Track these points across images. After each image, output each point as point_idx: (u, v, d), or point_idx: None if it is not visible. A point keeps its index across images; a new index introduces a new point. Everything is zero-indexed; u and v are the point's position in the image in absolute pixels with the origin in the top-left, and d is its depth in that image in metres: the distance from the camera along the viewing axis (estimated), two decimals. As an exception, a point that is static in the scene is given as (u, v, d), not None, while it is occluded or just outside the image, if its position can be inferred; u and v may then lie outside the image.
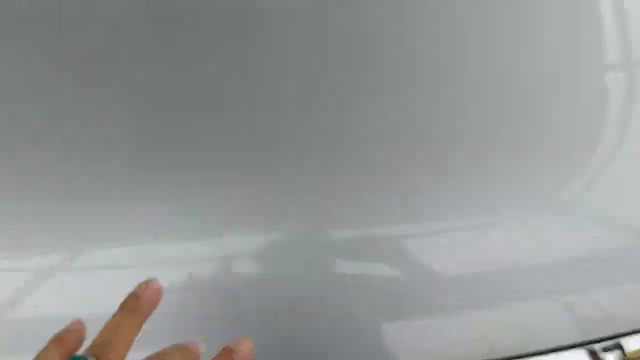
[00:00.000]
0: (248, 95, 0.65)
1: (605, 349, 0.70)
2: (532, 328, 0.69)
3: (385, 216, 0.67)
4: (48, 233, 0.63)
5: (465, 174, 0.67)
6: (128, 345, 0.39)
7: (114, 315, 0.40)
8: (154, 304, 0.42)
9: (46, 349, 0.40)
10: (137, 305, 0.41)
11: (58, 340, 0.40)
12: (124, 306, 0.41)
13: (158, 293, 0.42)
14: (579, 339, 0.70)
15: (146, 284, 0.42)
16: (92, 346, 0.38)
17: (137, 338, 0.40)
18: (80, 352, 0.38)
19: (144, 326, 0.42)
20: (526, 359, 0.65)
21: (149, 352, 0.40)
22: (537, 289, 0.71)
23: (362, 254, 0.64)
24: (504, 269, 0.69)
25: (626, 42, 0.80)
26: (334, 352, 0.63)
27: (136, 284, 0.42)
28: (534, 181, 0.71)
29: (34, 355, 0.38)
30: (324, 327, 0.64)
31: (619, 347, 0.75)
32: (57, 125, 0.63)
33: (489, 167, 0.69)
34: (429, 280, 0.66)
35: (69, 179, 0.62)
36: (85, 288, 0.60)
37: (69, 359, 0.37)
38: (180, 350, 0.40)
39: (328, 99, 0.66)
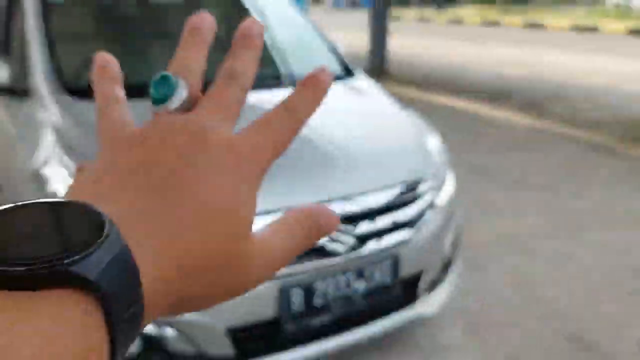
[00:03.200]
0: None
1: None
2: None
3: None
4: None
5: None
6: (202, 71, 0.36)
7: (179, 49, 0.37)
8: (212, 34, 0.38)
9: (99, 81, 0.37)
10: (199, 36, 0.37)
11: (102, 71, 0.37)
12: (186, 40, 0.37)
13: (213, 23, 0.38)
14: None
15: (200, 17, 0.37)
16: (171, 68, 0.36)
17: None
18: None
19: None
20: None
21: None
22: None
23: None
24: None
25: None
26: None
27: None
28: None
29: None
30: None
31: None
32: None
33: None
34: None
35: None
36: None
37: (157, 81, 0.34)
38: (288, 111, 0.35)
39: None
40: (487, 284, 3.05)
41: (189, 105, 0.34)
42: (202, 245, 0.30)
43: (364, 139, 2.27)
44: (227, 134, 0.33)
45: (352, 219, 1.97)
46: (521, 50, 14.82)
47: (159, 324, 1.80)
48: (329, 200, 1.95)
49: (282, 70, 2.77)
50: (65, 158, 1.96)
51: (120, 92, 0.37)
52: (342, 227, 1.93)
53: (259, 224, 1.78)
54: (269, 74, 2.69)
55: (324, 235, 0.35)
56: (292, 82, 2.63)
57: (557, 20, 23.68)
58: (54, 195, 1.88)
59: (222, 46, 2.80)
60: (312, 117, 2.39)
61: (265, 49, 3.04)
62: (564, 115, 7.17)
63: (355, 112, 2.52)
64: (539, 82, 9.72)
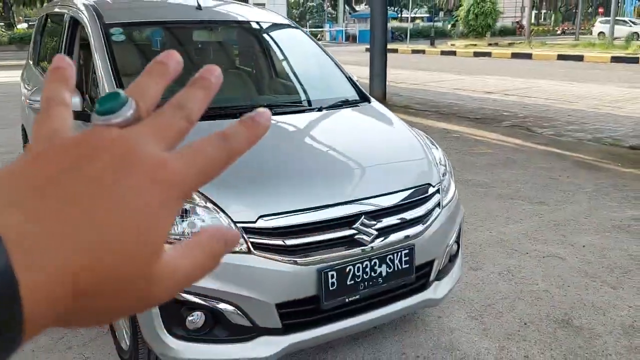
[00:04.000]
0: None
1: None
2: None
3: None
4: None
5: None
6: (155, 101, 0.36)
7: (141, 76, 0.37)
8: (176, 72, 0.38)
9: (48, 83, 0.36)
10: (164, 70, 0.37)
11: (55, 73, 0.37)
12: (151, 70, 0.37)
13: (180, 63, 0.38)
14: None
15: (168, 54, 0.38)
16: (128, 89, 0.36)
17: None
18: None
19: None
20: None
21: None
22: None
23: None
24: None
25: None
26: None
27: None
28: None
29: None
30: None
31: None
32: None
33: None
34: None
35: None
36: None
37: (108, 94, 0.34)
38: (223, 141, 0.36)
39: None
40: (484, 279, 3.40)
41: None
42: (105, 266, 0.29)
43: (386, 151, 2.66)
44: (155, 154, 0.32)
45: (375, 216, 2.33)
46: (512, 78, 15.33)
47: (219, 301, 2.13)
48: (358, 200, 2.31)
49: (310, 97, 3.16)
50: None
51: (67, 96, 0.36)
52: (368, 221, 2.29)
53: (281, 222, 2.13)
54: (298, 100, 3.08)
55: (228, 251, 0.36)
56: (318, 107, 3.01)
57: (544, 50, 24.29)
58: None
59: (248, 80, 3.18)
60: (344, 133, 2.78)
61: (295, 79, 3.44)
62: (550, 136, 7.58)
63: (375, 130, 2.90)
64: (527, 107, 10.15)
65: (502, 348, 2.71)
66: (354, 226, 2.27)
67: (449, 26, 45.81)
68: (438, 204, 2.58)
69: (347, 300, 2.27)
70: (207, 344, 2.19)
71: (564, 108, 10.06)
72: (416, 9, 57.24)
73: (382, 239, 2.32)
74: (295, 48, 3.58)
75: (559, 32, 48.67)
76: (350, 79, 3.43)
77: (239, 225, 2.12)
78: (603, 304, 3.12)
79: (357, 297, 2.29)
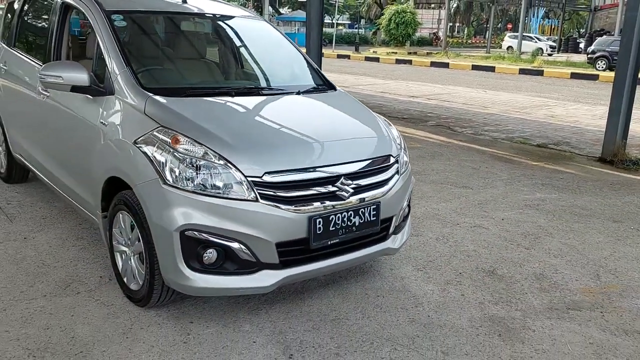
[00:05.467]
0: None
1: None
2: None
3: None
4: None
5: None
6: None
7: None
8: None
9: None
10: None
11: None
12: None
13: None
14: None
15: None
16: None
17: None
18: None
19: None
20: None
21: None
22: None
23: None
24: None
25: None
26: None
27: None
28: None
29: None
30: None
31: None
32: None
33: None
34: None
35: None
36: None
37: None
38: None
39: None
40: (425, 243, 4.05)
41: None
42: None
43: (357, 127, 3.25)
44: None
45: (351, 177, 2.89)
46: (432, 84, 16.42)
47: (231, 240, 2.62)
48: (339, 164, 2.86)
49: (288, 82, 3.71)
50: (155, 132, 2.75)
51: None
52: (346, 181, 2.85)
53: (282, 178, 2.66)
54: (279, 85, 3.61)
55: None
56: (297, 91, 3.56)
57: (460, 60, 25.89)
58: (155, 158, 2.66)
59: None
60: (323, 112, 3.33)
61: (274, 66, 3.96)
62: (469, 134, 8.47)
63: (347, 111, 3.48)
64: (448, 110, 11.11)
65: (443, 290, 3.35)
66: (336, 184, 2.82)
67: (371, 34, 47.36)
68: (397, 172, 3.18)
69: (329, 242, 2.82)
70: (219, 276, 2.67)
71: (480, 112, 11.10)
72: (339, 16, 58.57)
73: (356, 195, 2.89)
74: (270, 40, 4.11)
75: (471, 42, 51.45)
76: (317, 70, 3.99)
77: (248, 179, 2.62)
78: (519, 260, 3.84)
79: (337, 240, 2.85)
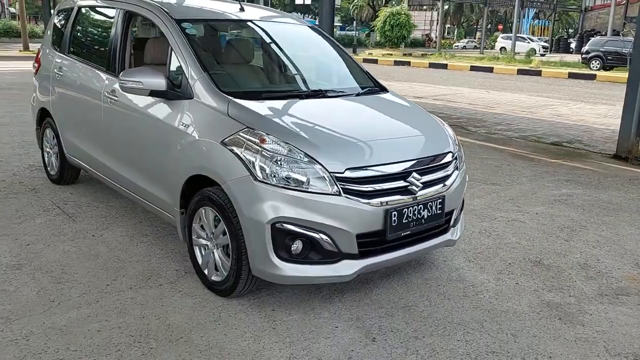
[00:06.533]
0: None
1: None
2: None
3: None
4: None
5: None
6: None
7: None
8: None
9: None
10: None
11: None
12: None
13: None
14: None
15: None
16: None
17: None
18: None
19: None
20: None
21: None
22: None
23: None
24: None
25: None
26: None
27: None
28: None
29: None
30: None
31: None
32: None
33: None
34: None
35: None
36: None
37: None
38: None
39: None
40: (469, 237, 4.26)
41: None
42: None
43: (420, 126, 3.46)
44: None
45: (420, 172, 3.09)
46: (434, 85, 16.68)
47: (316, 231, 2.81)
48: (410, 160, 3.06)
49: (346, 85, 3.92)
50: (241, 133, 2.94)
51: None
52: (416, 176, 3.05)
53: (361, 173, 2.86)
54: (339, 87, 3.81)
55: None
56: (357, 93, 3.76)
57: (457, 61, 26.20)
58: (244, 157, 2.85)
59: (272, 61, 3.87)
60: (386, 112, 3.53)
61: (331, 70, 4.16)
62: (483, 134, 8.71)
63: (406, 111, 3.69)
64: (457, 110, 11.35)
65: (498, 279, 3.56)
66: (408, 179, 3.02)
67: (364, 35, 47.65)
68: (456, 167, 3.39)
69: (402, 234, 3.02)
70: (304, 265, 2.86)
71: (487, 112, 11.35)
72: (332, 18, 58.75)
73: (424, 190, 3.09)
74: (322, 45, 4.32)
75: (461, 44, 51.91)
76: (367, 73, 4.19)
77: (332, 174, 2.82)
78: (562, 250, 4.06)
79: (409, 232, 3.05)
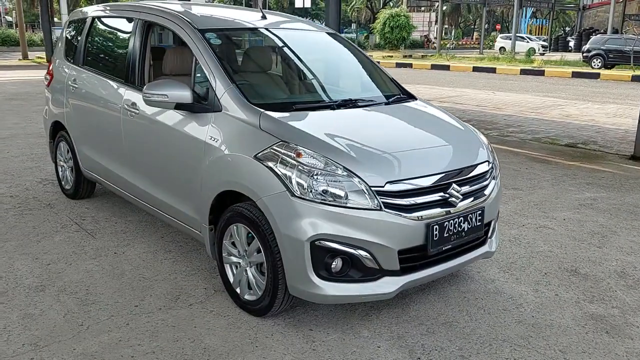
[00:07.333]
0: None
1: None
2: None
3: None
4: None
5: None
6: None
7: None
8: None
9: None
10: None
11: None
12: None
13: None
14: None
15: None
16: None
17: None
18: None
19: None
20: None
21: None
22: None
23: None
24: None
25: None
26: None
27: None
28: None
29: None
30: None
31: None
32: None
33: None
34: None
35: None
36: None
37: None
38: None
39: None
40: (500, 245, 4.14)
41: None
42: None
43: (455, 135, 3.34)
44: None
45: (459, 184, 2.98)
46: (439, 87, 16.58)
47: (356, 248, 2.70)
48: (449, 172, 2.95)
49: (374, 93, 3.81)
50: (276, 147, 2.82)
51: None
52: (456, 187, 2.94)
53: (402, 187, 2.74)
54: (368, 96, 3.70)
55: None
56: (386, 102, 3.65)
57: (460, 62, 26.11)
58: (280, 172, 2.73)
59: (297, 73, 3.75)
60: (418, 121, 3.41)
61: (359, 78, 4.05)
62: (496, 136, 8.60)
63: (438, 120, 3.57)
64: (465, 112, 11.25)
65: (536, 290, 3.45)
66: (448, 191, 2.91)
67: (363, 38, 47.57)
68: (493, 177, 3.28)
69: (443, 248, 2.91)
70: (345, 283, 2.75)
71: (496, 113, 11.25)
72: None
73: (464, 201, 2.98)
74: (348, 52, 4.21)
75: (460, 44, 51.87)
76: (394, 80, 4.08)
77: (372, 188, 2.71)
78: (596, 258, 3.95)
79: (450, 246, 2.94)
